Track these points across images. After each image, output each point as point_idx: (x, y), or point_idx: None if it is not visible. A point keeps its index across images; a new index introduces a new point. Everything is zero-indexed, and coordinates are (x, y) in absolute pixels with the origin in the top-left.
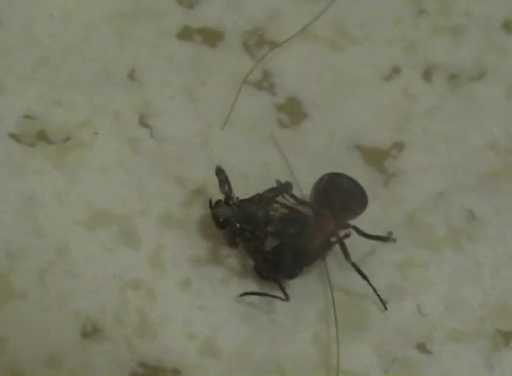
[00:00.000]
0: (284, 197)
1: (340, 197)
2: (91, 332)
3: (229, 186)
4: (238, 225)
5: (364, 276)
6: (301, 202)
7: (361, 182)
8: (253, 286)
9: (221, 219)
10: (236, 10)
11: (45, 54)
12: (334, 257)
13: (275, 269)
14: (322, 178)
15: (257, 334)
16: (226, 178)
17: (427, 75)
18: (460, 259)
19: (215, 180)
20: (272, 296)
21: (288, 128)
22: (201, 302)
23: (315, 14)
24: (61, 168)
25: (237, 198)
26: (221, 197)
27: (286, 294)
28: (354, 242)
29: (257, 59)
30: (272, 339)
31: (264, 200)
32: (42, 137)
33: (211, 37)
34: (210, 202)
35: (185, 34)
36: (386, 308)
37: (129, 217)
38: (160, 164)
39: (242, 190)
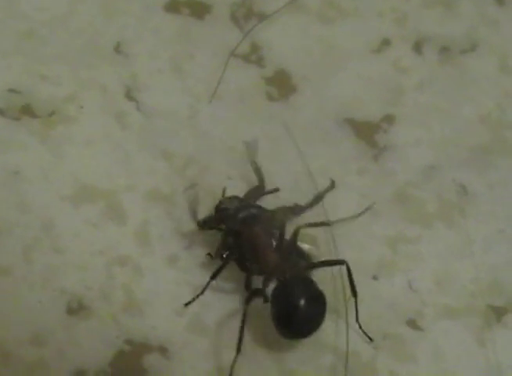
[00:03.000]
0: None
1: None
2: (76, 309)
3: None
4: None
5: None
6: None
7: (351, 156)
8: None
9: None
10: None
11: (30, 27)
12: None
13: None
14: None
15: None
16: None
17: (418, 48)
18: (452, 234)
19: (203, 154)
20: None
21: (277, 102)
22: (188, 278)
23: None
24: (46, 142)
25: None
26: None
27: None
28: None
29: (245, 32)
30: (260, 315)
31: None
32: (27, 111)
33: (199, 9)
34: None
35: (173, 6)
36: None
37: (115, 192)
38: (146, 139)
39: (230, 164)
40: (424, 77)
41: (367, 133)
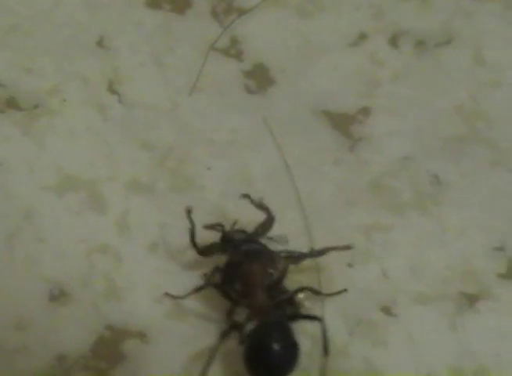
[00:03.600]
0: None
1: None
2: (58, 296)
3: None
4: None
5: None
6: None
7: (327, 146)
8: None
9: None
10: None
11: (14, 21)
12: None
13: None
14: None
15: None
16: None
17: (394, 41)
18: (425, 223)
19: (183, 145)
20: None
21: (255, 94)
22: (168, 266)
23: None
24: (30, 134)
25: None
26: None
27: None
28: (319, 208)
29: (224, 26)
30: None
31: None
32: (12, 104)
33: (180, 4)
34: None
35: (154, 1)
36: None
37: (97, 182)
38: (128, 130)
39: (209, 154)
40: (400, 70)
41: (343, 124)
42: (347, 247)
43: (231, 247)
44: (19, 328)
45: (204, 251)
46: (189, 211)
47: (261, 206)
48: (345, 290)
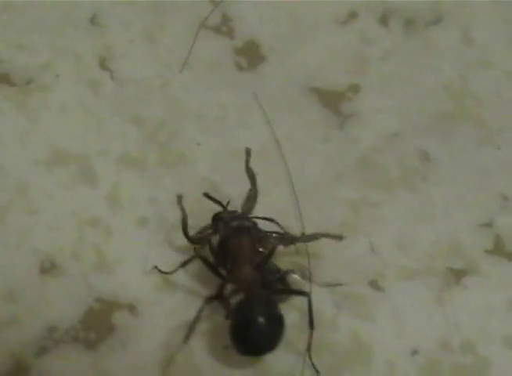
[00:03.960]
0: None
1: None
2: (49, 268)
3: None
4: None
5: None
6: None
7: (316, 123)
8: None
9: None
10: None
11: None
12: None
13: None
14: None
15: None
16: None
17: (384, 20)
18: (413, 199)
19: (173, 121)
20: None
21: (246, 71)
22: (157, 240)
23: None
24: (23, 109)
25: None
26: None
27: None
28: (308, 183)
29: (216, 4)
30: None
31: None
32: (5, 79)
33: None
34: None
35: None
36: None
37: (88, 156)
38: (119, 106)
39: (199, 130)
40: (389, 48)
41: (333, 102)
42: (339, 237)
43: (221, 225)
44: (10, 300)
45: (195, 240)
46: (180, 199)
47: (251, 177)
48: (341, 284)
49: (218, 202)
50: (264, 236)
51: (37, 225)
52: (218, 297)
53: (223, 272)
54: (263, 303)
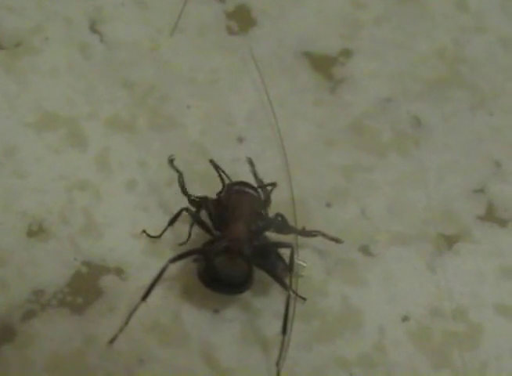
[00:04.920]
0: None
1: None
2: (36, 231)
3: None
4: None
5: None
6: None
7: (308, 87)
8: (196, 187)
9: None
10: None
11: None
12: None
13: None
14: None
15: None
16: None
17: None
18: (406, 164)
19: (163, 84)
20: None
21: (237, 35)
22: (146, 203)
23: None
24: (12, 72)
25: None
26: None
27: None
28: (300, 147)
29: None
30: None
31: None
32: None
33: None
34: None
35: None
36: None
37: (77, 119)
38: (109, 69)
39: (189, 94)
40: (382, 13)
41: (324, 66)
42: (338, 241)
43: (225, 188)
44: None
45: (195, 201)
46: (171, 161)
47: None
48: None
49: (222, 172)
50: (262, 204)
51: (26, 188)
52: (181, 257)
53: (210, 223)
54: (239, 258)
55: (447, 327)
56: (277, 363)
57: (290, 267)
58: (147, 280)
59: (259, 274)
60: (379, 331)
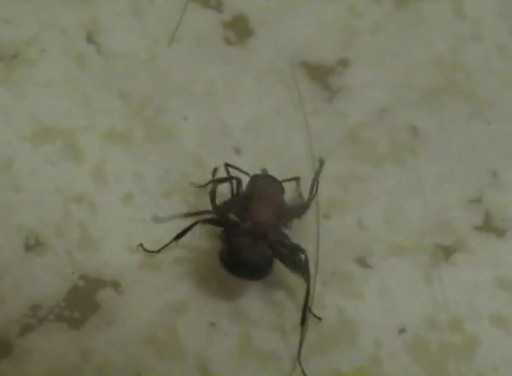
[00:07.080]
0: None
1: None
2: (33, 245)
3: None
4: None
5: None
6: None
7: (305, 97)
8: (192, 199)
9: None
10: None
11: None
12: None
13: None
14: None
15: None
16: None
17: None
18: (402, 174)
19: (160, 96)
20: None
21: (234, 45)
22: (143, 216)
23: None
24: (8, 84)
25: None
26: None
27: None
28: (295, 158)
29: None
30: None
31: None
32: None
33: None
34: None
35: None
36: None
37: (74, 132)
38: (105, 80)
39: (186, 105)
40: (379, 22)
41: (321, 76)
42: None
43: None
44: None
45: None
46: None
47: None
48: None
49: (242, 171)
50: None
51: (22, 201)
52: (211, 222)
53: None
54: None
55: (443, 338)
56: (298, 355)
57: (305, 272)
58: (144, 293)
59: (256, 284)
60: (376, 344)
